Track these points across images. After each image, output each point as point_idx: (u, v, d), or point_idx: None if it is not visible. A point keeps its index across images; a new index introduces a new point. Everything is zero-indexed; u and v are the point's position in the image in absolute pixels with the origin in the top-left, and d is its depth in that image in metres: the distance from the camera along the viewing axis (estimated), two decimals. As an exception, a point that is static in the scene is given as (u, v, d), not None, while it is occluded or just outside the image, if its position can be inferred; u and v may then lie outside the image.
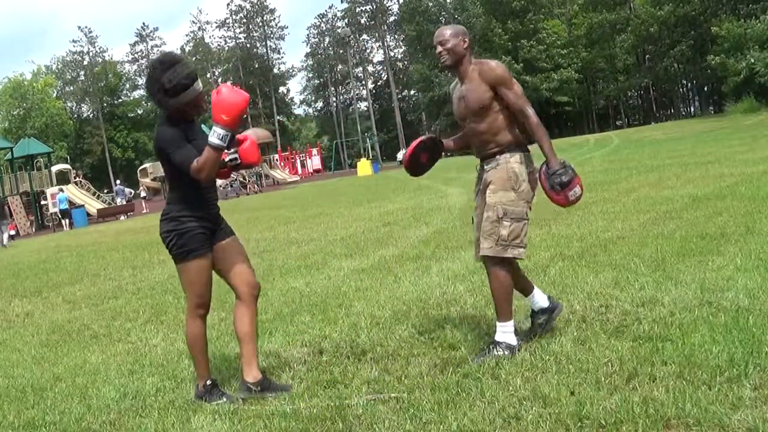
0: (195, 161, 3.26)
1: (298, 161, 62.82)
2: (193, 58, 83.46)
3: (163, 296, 7.07)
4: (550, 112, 64.31)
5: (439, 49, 3.65)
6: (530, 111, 3.60)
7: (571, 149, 30.63)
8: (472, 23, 68.93)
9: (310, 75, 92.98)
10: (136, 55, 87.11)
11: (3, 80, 69.44)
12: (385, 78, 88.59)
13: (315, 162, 64.62)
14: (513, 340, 3.59)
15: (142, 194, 42.71)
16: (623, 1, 63.69)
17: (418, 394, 3.19)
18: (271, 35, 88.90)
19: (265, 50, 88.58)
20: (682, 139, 25.55)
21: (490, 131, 3.64)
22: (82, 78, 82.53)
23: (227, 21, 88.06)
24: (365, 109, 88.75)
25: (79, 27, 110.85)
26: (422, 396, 3.15)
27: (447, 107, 70.59)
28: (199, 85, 3.39)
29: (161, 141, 3.35)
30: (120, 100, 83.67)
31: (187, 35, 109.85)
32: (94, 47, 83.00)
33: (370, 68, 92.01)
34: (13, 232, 27.36)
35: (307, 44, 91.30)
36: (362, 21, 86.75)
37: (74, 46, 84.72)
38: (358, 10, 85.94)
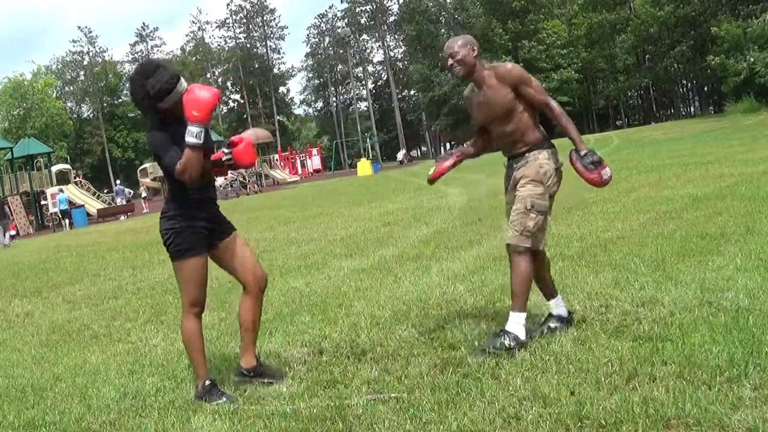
0: (178, 163, 3.30)
1: (298, 161, 62.82)
2: (193, 58, 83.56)
3: (163, 296, 7.07)
4: (550, 112, 64.14)
5: (450, 61, 3.78)
6: (553, 103, 3.77)
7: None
8: (472, 23, 68.94)
9: (310, 75, 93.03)
10: (136, 55, 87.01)
11: (3, 80, 69.59)
12: (385, 78, 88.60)
13: (315, 162, 64.63)
14: (522, 334, 3.64)
15: (143, 194, 42.71)
16: (623, 1, 63.70)
17: (418, 394, 3.19)
18: (271, 35, 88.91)
19: (265, 50, 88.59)
20: (682, 139, 25.55)
21: (517, 131, 3.76)
22: (82, 78, 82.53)
23: (227, 21, 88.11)
24: (365, 109, 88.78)
25: (79, 27, 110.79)
26: (422, 396, 3.15)
27: (447, 107, 70.65)
28: (183, 85, 3.42)
29: (152, 145, 3.46)
30: (120, 100, 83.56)
31: (186, 35, 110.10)
32: (94, 47, 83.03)
33: (370, 68, 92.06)
34: (13, 232, 27.36)
35: (307, 44, 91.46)
36: (362, 21, 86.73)
37: (74, 46, 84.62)
38: (358, 10, 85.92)
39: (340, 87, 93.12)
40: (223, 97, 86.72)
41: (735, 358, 3.04)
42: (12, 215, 30.60)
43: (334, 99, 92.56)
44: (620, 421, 2.62)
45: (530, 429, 2.69)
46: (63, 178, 39.74)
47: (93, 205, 37.00)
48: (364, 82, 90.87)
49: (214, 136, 41.67)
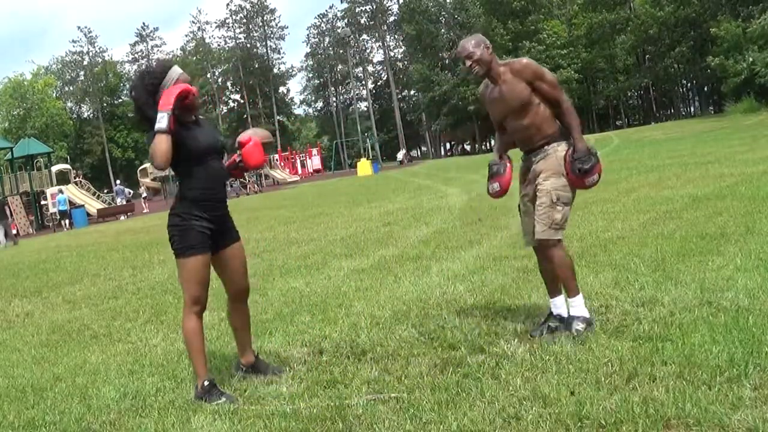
0: (150, 148, 3.38)
1: (298, 161, 62.84)
2: (193, 58, 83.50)
3: (163, 296, 7.07)
4: (550, 112, 64.16)
5: (468, 63, 3.84)
6: (565, 99, 3.84)
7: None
8: (472, 23, 68.94)
9: (310, 75, 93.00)
10: (136, 55, 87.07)
11: (3, 80, 69.55)
12: (385, 78, 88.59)
13: (315, 162, 64.63)
14: (586, 312, 3.79)
15: (143, 194, 42.70)
16: (623, 2, 63.67)
17: (418, 394, 3.19)
18: (271, 35, 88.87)
19: (265, 50, 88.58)
20: (682, 139, 25.55)
21: (533, 125, 3.83)
22: (82, 78, 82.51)
23: (227, 21, 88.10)
24: (365, 109, 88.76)
25: (79, 27, 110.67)
26: (422, 396, 3.15)
27: (447, 107, 70.69)
28: (175, 71, 3.52)
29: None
30: (120, 100, 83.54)
31: (186, 35, 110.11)
32: (94, 47, 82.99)
33: (370, 68, 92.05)
34: (14, 231, 27.34)
35: (307, 44, 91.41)
36: (362, 21, 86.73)
37: (74, 46, 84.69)
38: (358, 10, 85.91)
39: (340, 87, 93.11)
40: (224, 97, 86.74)
41: (735, 358, 3.04)
42: (12, 216, 30.60)
43: (334, 99, 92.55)
44: (620, 421, 2.62)
45: (530, 429, 2.69)
46: (63, 178, 39.71)
47: (93, 205, 36.98)
48: (364, 82, 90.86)
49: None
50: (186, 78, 3.54)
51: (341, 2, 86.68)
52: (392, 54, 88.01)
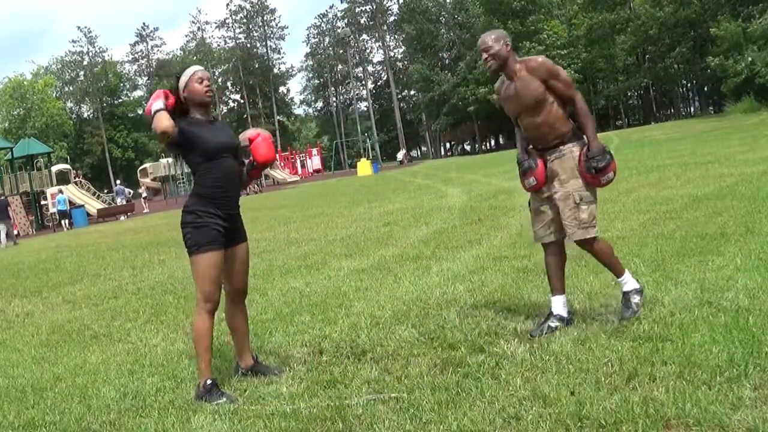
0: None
1: (298, 161, 62.84)
2: (194, 58, 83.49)
3: (163, 296, 7.07)
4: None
5: (485, 56, 3.89)
6: (579, 99, 3.91)
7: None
8: (472, 23, 68.91)
9: (310, 75, 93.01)
10: (136, 55, 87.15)
11: (3, 80, 69.56)
12: (385, 78, 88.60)
13: (315, 162, 64.63)
14: (636, 284, 3.96)
15: (143, 194, 42.71)
16: (623, 2, 63.67)
17: (418, 394, 3.19)
18: (271, 35, 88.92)
19: (265, 50, 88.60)
20: (682, 139, 25.54)
21: (546, 123, 3.88)
22: (82, 78, 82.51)
23: (227, 21, 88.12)
24: (365, 109, 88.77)
25: (79, 27, 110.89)
26: (422, 396, 3.15)
27: (447, 107, 70.67)
28: (189, 70, 3.68)
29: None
30: (120, 100, 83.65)
31: (186, 35, 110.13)
32: (94, 47, 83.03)
33: (370, 68, 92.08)
34: (15, 232, 27.34)
35: (307, 44, 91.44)
36: (362, 21, 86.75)
37: (74, 46, 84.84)
38: (358, 10, 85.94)
39: (340, 87, 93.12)
40: (224, 97, 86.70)
41: (735, 358, 3.04)
42: (12, 216, 30.59)
43: (334, 99, 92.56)
44: (620, 421, 2.62)
45: (530, 429, 2.69)
46: (63, 178, 39.72)
47: (93, 205, 36.97)
48: (364, 82, 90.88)
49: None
50: (204, 74, 3.67)
51: (341, 2, 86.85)
52: (392, 54, 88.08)
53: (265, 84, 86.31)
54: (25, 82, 68.76)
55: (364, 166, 43.78)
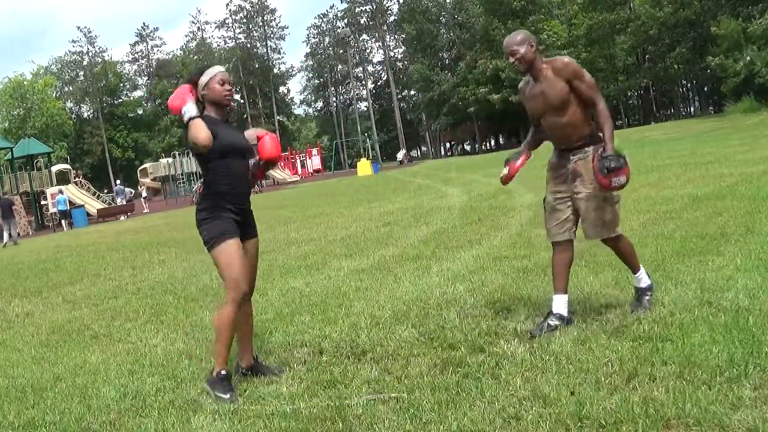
0: None
1: (298, 161, 62.86)
2: (194, 58, 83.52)
3: (163, 296, 7.07)
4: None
5: (512, 59, 3.94)
6: (601, 101, 3.94)
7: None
8: (472, 23, 68.92)
9: (310, 75, 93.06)
10: (136, 55, 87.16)
11: (3, 80, 69.58)
12: (385, 78, 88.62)
13: (315, 162, 64.65)
14: (649, 281, 4.11)
15: (143, 194, 42.70)
16: (623, 2, 63.67)
17: (418, 394, 3.19)
18: (271, 35, 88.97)
19: (265, 50, 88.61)
20: (682, 139, 25.53)
21: (570, 124, 3.93)
22: (82, 78, 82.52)
23: (227, 21, 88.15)
24: (365, 109, 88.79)
25: (79, 27, 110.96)
26: (422, 396, 3.15)
27: (447, 107, 70.65)
28: (212, 70, 3.70)
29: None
30: (120, 100, 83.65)
31: (186, 35, 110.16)
32: (94, 47, 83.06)
33: (370, 68, 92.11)
34: (17, 232, 27.32)
35: (307, 44, 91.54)
36: (362, 21, 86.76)
37: (74, 46, 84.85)
38: (358, 10, 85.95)
39: (340, 87, 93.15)
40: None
41: (735, 358, 3.04)
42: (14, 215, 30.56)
43: (334, 99, 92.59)
44: (620, 421, 2.62)
45: (530, 429, 2.69)
46: (63, 178, 39.72)
47: (93, 205, 36.97)
48: (364, 82, 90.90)
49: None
50: (226, 76, 3.69)
51: (341, 2, 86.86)
52: (392, 54, 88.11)
53: (265, 84, 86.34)
54: (25, 82, 68.78)
55: (364, 166, 43.79)
